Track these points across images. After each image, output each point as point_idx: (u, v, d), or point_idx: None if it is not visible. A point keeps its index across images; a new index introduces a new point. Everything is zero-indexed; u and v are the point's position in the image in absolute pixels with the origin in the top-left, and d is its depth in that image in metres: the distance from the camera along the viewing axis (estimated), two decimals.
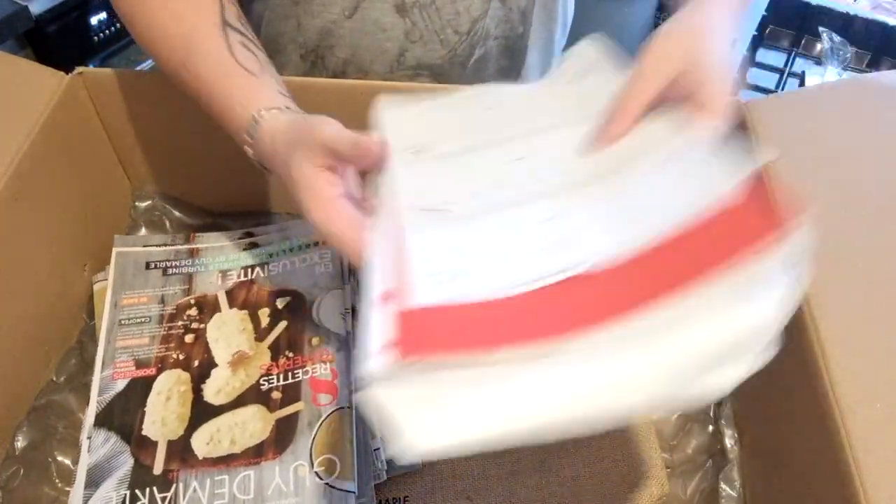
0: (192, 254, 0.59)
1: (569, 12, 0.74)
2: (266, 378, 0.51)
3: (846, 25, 1.02)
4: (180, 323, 0.54)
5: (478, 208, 0.42)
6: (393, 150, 0.46)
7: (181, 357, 0.52)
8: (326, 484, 0.45)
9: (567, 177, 0.43)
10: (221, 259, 0.58)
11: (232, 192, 0.65)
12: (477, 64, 0.69)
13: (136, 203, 0.65)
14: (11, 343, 0.50)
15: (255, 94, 0.49)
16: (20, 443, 0.50)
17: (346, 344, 0.52)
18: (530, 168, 0.44)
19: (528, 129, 0.47)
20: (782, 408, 0.47)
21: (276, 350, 0.52)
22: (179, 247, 0.59)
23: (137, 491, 0.46)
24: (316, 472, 0.46)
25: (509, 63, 0.71)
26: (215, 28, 0.51)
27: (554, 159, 0.44)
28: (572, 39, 0.80)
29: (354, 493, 0.45)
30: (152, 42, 0.52)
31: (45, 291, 0.54)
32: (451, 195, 0.44)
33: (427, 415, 0.30)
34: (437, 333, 0.34)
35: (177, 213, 0.66)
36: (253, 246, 0.59)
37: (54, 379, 0.54)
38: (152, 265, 0.57)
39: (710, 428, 0.54)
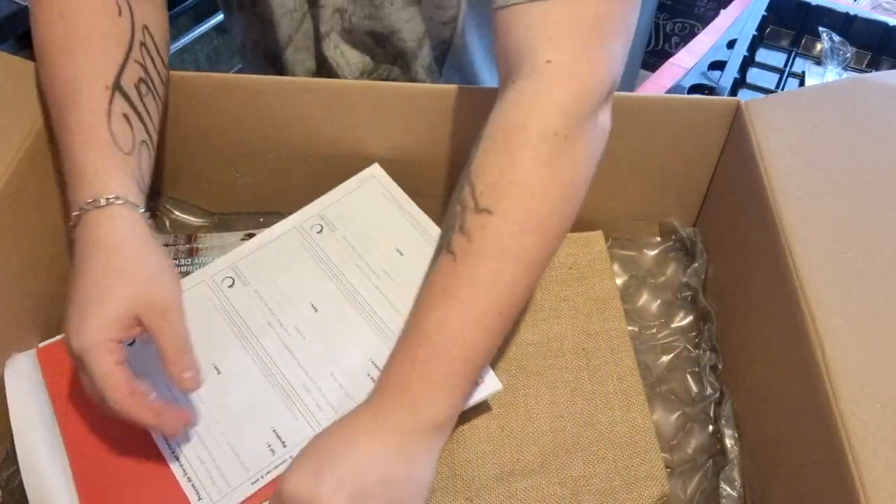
0: (192, 253, 0.59)
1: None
2: None
3: (846, 25, 1.02)
4: None
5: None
6: None
7: None
8: None
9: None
10: None
11: (232, 193, 0.65)
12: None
13: None
14: (11, 343, 0.50)
15: (114, 169, 0.46)
16: None
17: None
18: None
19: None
20: (782, 408, 0.47)
21: None
22: (180, 247, 0.59)
23: None
24: None
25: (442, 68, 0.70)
26: (101, 88, 0.47)
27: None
28: None
29: None
30: (40, 57, 0.49)
31: (44, 291, 0.54)
32: None
33: None
34: None
35: (177, 213, 0.66)
36: None
37: None
38: None
39: (710, 428, 0.54)
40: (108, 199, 0.44)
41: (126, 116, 0.48)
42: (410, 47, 0.65)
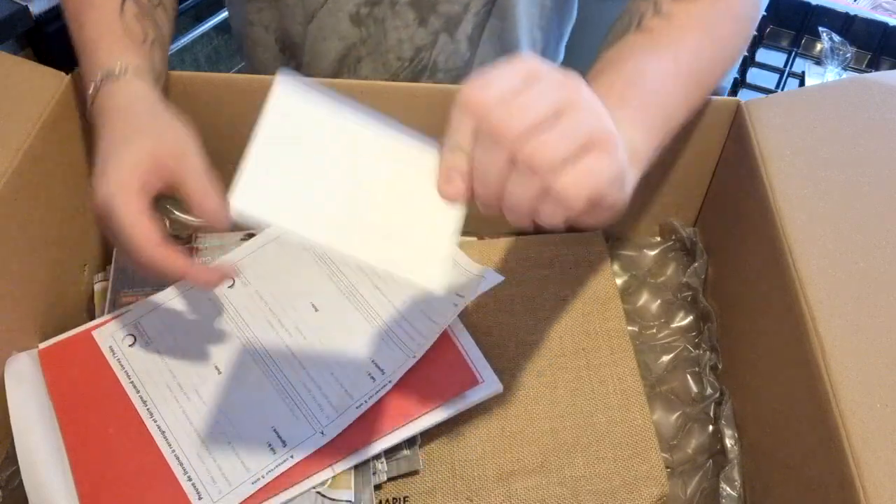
0: (192, 253, 0.59)
1: (539, 40, 0.73)
2: None
3: (846, 25, 1.02)
4: None
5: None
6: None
7: None
8: (318, 493, 0.45)
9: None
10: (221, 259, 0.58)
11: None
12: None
13: None
14: (12, 343, 0.50)
15: (126, 51, 0.48)
16: None
17: None
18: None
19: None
20: (782, 408, 0.47)
21: None
22: (180, 246, 0.59)
23: None
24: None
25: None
26: None
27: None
28: (572, 39, 0.80)
29: (350, 501, 0.45)
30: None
31: (45, 291, 0.54)
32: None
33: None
34: None
35: (177, 213, 0.66)
36: None
37: None
38: None
39: (710, 428, 0.54)
40: (120, 68, 0.46)
41: (137, 18, 0.50)
42: (457, 11, 0.64)
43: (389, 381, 0.48)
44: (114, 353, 0.51)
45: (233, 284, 0.55)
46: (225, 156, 0.63)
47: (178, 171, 0.42)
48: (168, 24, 0.55)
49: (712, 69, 0.47)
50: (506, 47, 0.69)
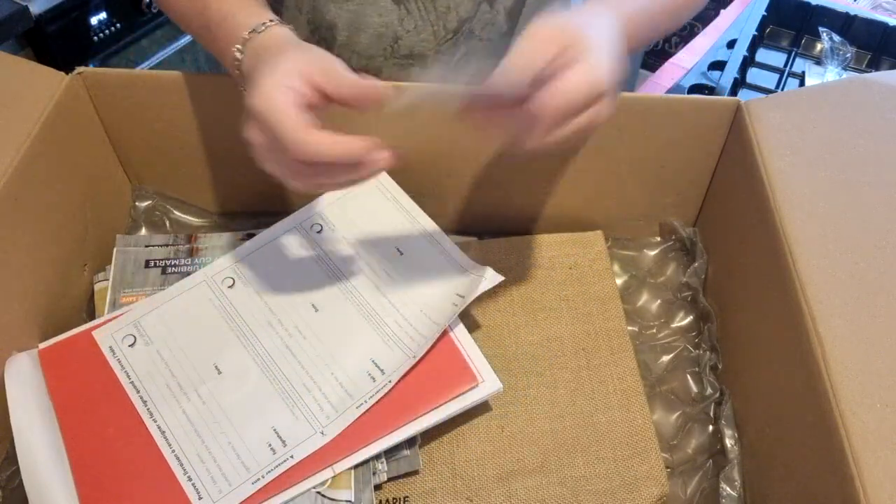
0: (192, 253, 0.59)
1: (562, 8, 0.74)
2: None
3: (846, 25, 1.02)
4: None
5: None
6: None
7: None
8: (318, 493, 0.45)
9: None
10: None
11: (232, 192, 0.65)
12: (461, 60, 0.69)
13: (136, 203, 0.65)
14: (12, 343, 0.50)
15: (264, 12, 0.50)
16: None
17: None
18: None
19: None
20: (782, 408, 0.47)
21: None
22: (180, 247, 0.59)
23: None
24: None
25: (494, 62, 0.71)
26: None
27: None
28: None
29: (350, 501, 0.45)
30: None
31: (45, 291, 0.54)
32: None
33: None
34: None
35: (177, 213, 0.66)
36: None
37: None
38: (152, 263, 0.57)
39: (710, 428, 0.54)
40: (264, 24, 0.48)
41: None
42: None
43: (389, 382, 0.48)
44: (114, 353, 0.51)
45: (233, 284, 0.55)
46: (225, 156, 0.63)
47: (328, 76, 0.44)
48: None
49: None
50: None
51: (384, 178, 0.60)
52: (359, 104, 0.44)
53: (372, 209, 0.58)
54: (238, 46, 0.49)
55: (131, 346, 0.51)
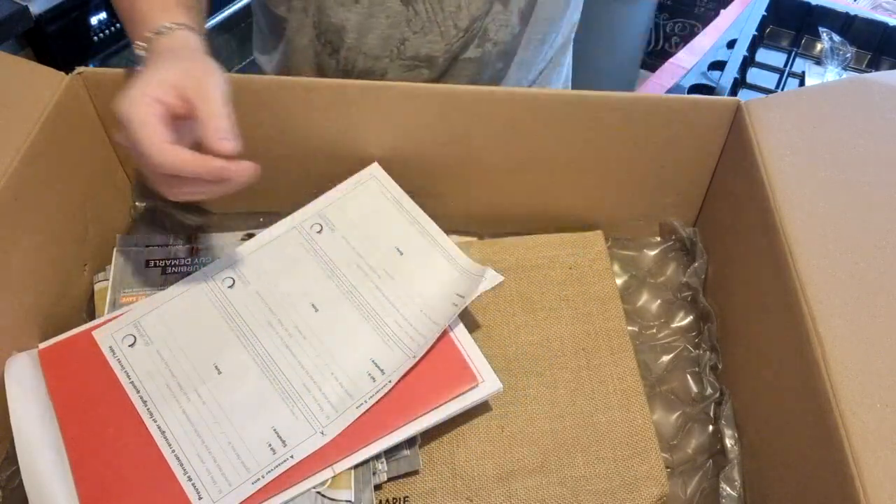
0: (192, 253, 0.59)
1: (570, 12, 0.74)
2: None
3: (846, 25, 1.02)
4: None
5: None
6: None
7: None
8: (318, 493, 0.45)
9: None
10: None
11: (232, 193, 0.65)
12: (471, 63, 0.69)
13: (136, 203, 0.65)
14: (12, 343, 0.50)
15: (180, 13, 0.50)
16: None
17: None
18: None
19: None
20: (782, 408, 0.47)
21: None
22: (180, 247, 0.59)
23: None
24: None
25: (503, 65, 0.71)
26: None
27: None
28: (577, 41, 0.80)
29: (350, 501, 0.45)
30: None
31: (45, 291, 0.54)
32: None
33: None
34: None
35: (177, 213, 0.66)
36: None
37: None
38: (152, 263, 0.57)
39: (710, 428, 0.54)
40: (174, 24, 0.49)
41: None
42: None
43: (389, 382, 0.48)
44: (114, 353, 0.51)
45: (233, 284, 0.55)
46: None
47: (197, 91, 0.44)
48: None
49: None
50: (550, 27, 0.70)
51: (384, 178, 0.60)
52: (212, 147, 0.43)
53: (372, 209, 0.58)
54: (141, 43, 0.49)
55: (131, 346, 0.51)
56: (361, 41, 0.67)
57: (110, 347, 0.51)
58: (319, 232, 0.57)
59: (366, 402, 0.47)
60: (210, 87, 0.45)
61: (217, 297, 0.54)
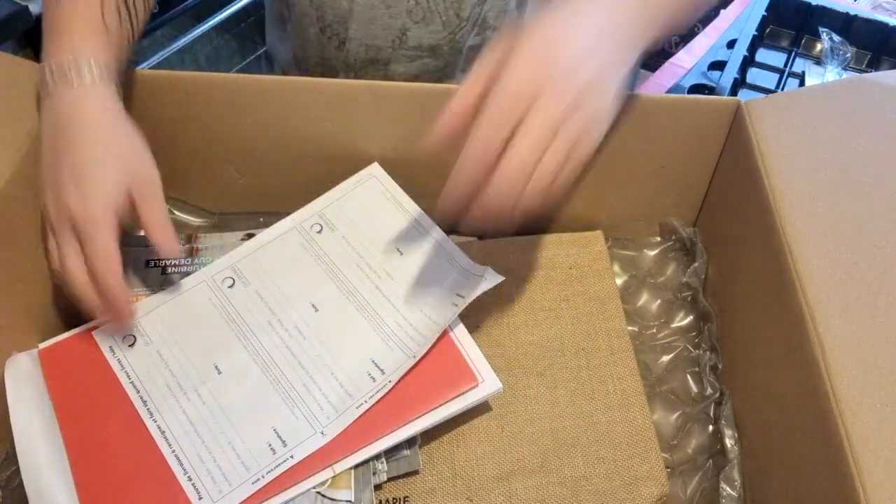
0: (192, 253, 0.59)
1: None
2: None
3: (846, 25, 1.02)
4: None
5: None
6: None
7: None
8: (318, 493, 0.45)
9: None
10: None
11: (232, 193, 0.65)
12: (474, 52, 0.69)
13: None
14: (12, 343, 0.50)
15: (99, 44, 0.47)
16: None
17: None
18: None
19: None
20: (782, 408, 0.47)
21: None
22: (180, 246, 0.59)
23: None
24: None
25: None
26: None
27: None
28: None
29: (350, 501, 0.45)
30: None
31: (45, 291, 0.54)
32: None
33: None
34: None
35: (177, 213, 0.66)
36: None
37: None
38: (152, 263, 0.57)
39: (710, 428, 0.54)
40: (91, 64, 0.46)
41: (118, 9, 0.50)
42: None
43: (389, 381, 0.48)
44: (114, 353, 0.51)
45: (233, 284, 0.55)
46: (225, 156, 0.63)
47: (144, 198, 0.47)
48: (145, 10, 0.55)
49: None
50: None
51: (384, 177, 0.60)
52: (153, 240, 0.47)
53: (372, 209, 0.58)
54: (50, 70, 0.46)
55: (131, 346, 0.51)
56: (364, 32, 0.67)
57: (110, 347, 0.51)
58: (319, 232, 0.57)
59: (366, 402, 0.47)
60: (153, 191, 0.47)
61: (217, 297, 0.54)
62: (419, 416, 0.47)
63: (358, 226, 0.58)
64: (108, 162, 0.45)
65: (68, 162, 0.45)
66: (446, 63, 0.69)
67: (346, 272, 0.55)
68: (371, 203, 0.59)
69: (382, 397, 0.48)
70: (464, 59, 0.70)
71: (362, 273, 0.55)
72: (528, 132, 0.38)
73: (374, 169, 0.60)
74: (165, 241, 0.47)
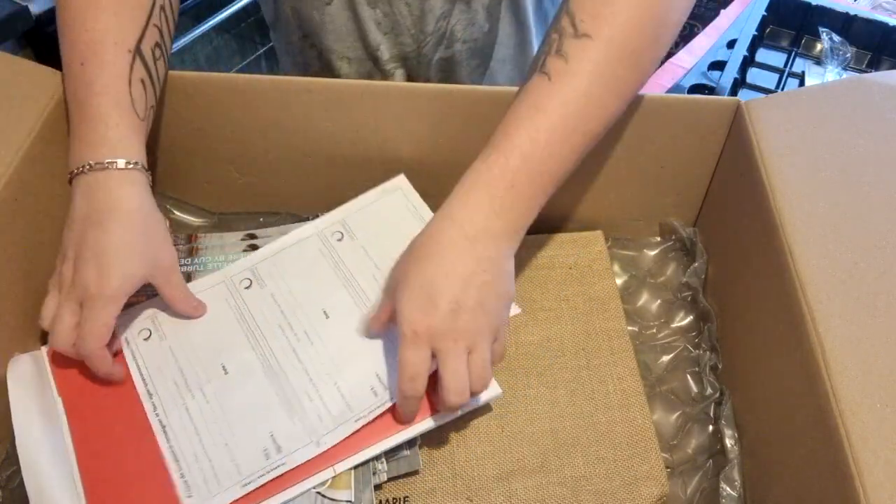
0: (192, 253, 0.59)
1: (547, 9, 0.74)
2: None
3: (846, 25, 1.02)
4: None
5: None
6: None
7: None
8: (318, 493, 0.45)
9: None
10: (221, 259, 0.58)
11: (232, 193, 0.65)
12: (444, 63, 0.69)
13: None
14: (13, 343, 0.50)
15: (131, 134, 0.49)
16: None
17: None
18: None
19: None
20: (782, 408, 0.47)
21: None
22: (180, 247, 0.59)
23: None
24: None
25: (479, 61, 0.71)
26: (125, 50, 0.49)
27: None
28: None
29: (350, 501, 0.45)
30: (63, 12, 0.50)
31: (45, 292, 0.54)
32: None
33: None
34: None
35: (177, 213, 0.66)
36: (254, 248, 0.59)
37: None
38: None
39: (710, 428, 0.54)
40: (128, 163, 0.48)
41: (143, 81, 0.51)
42: None
43: (391, 399, 0.48)
44: (128, 344, 0.51)
45: (250, 285, 0.55)
46: (225, 156, 0.63)
47: (167, 282, 0.50)
48: (165, 73, 0.55)
49: (602, 115, 0.47)
50: (521, 20, 0.70)
51: (409, 190, 0.59)
52: (182, 311, 0.52)
53: (394, 222, 0.58)
54: (85, 166, 0.48)
55: (146, 339, 0.51)
56: (338, 45, 0.67)
57: (125, 338, 0.51)
58: (340, 240, 0.57)
59: (365, 416, 0.47)
60: (174, 276, 0.50)
61: (234, 297, 0.54)
62: (419, 422, 0.47)
63: (378, 237, 0.57)
64: (133, 247, 0.47)
65: (94, 237, 0.46)
66: (415, 73, 0.70)
67: (361, 282, 0.55)
68: (394, 215, 0.58)
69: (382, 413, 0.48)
70: (432, 69, 0.70)
71: (376, 284, 0.55)
72: (447, 368, 0.44)
73: (401, 181, 0.60)
74: (193, 311, 0.52)
